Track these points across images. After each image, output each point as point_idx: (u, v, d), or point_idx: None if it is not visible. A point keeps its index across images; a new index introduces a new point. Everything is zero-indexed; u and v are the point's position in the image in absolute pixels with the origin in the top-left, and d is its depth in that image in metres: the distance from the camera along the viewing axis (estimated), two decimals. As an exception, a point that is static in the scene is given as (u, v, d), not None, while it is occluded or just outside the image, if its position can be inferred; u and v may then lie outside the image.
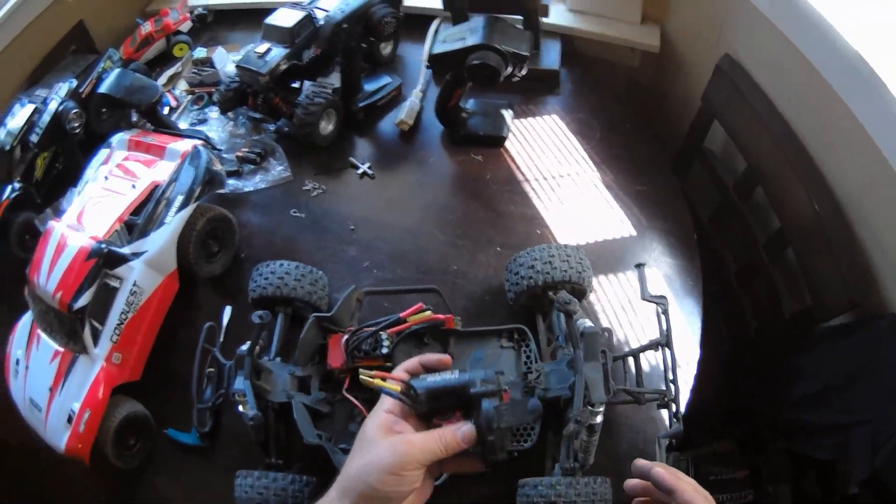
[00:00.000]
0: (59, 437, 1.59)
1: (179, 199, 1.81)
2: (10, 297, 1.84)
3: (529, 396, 1.43)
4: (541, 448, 1.45)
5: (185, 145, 1.91)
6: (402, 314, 1.53)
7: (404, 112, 2.32)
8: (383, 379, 1.26)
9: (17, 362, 1.73)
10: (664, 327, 1.48)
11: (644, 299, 1.54)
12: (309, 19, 2.15)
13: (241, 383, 1.43)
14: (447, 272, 1.93)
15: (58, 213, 1.93)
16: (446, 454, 1.19)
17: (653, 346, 1.48)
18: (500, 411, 1.20)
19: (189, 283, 1.90)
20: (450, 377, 1.25)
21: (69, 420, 1.58)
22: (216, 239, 1.94)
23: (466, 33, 1.96)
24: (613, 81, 2.80)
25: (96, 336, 1.64)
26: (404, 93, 2.46)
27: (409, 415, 1.26)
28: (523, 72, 1.98)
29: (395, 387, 1.24)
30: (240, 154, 2.25)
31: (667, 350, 1.46)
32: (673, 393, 1.42)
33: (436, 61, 2.05)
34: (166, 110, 2.42)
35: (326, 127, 2.24)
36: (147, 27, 2.65)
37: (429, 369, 1.32)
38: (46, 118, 2.06)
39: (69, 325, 1.63)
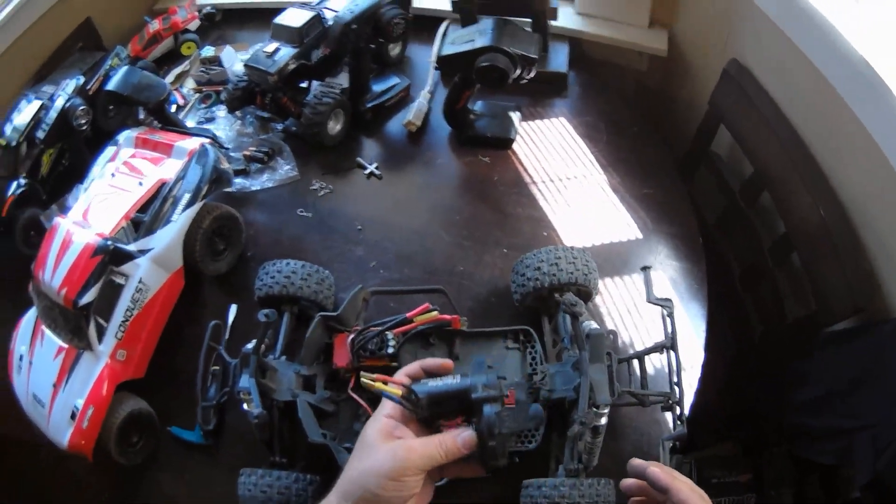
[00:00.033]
0: (63, 433, 1.59)
1: (186, 196, 1.81)
2: (14, 293, 1.84)
3: (533, 400, 1.44)
4: (545, 449, 1.44)
5: (192, 143, 1.92)
6: (408, 314, 1.53)
7: (412, 113, 2.32)
8: (384, 383, 1.26)
9: (21, 358, 1.72)
10: (669, 330, 1.48)
11: (650, 302, 1.54)
12: (318, 19, 2.15)
13: (246, 381, 1.42)
14: (453, 273, 1.93)
15: (63, 210, 1.94)
16: (446, 460, 1.18)
17: (658, 348, 1.48)
18: (501, 417, 1.19)
19: (195, 281, 1.90)
20: (451, 382, 1.24)
21: (72, 416, 1.58)
22: (222, 237, 1.94)
23: (475, 35, 1.96)
24: (621, 85, 2.80)
25: (101, 333, 1.64)
26: (412, 94, 2.46)
27: (409, 419, 1.25)
28: (532, 74, 1.98)
29: (396, 391, 1.23)
30: (247, 153, 2.25)
31: (672, 353, 1.46)
32: (677, 396, 1.43)
33: (445, 63, 2.05)
34: (174, 108, 2.43)
35: (334, 127, 2.24)
36: (155, 25, 2.66)
37: (430, 373, 1.31)
38: (53, 115, 2.06)
39: (74, 322, 1.63)
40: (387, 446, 1.17)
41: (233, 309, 1.85)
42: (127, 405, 1.63)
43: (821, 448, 1.86)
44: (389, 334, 1.53)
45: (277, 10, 2.21)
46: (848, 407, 1.79)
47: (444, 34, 2.61)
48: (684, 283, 1.90)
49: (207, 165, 1.87)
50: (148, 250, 1.74)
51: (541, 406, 1.41)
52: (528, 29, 2.16)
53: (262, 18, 2.54)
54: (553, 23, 2.45)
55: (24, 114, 2.04)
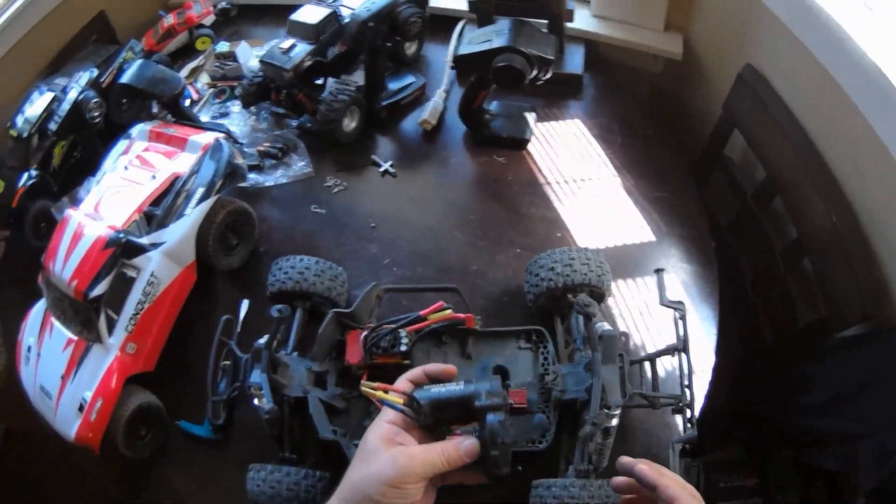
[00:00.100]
0: (70, 425, 1.59)
1: (200, 191, 1.81)
2: (23, 284, 1.85)
3: (545, 400, 1.44)
4: (555, 449, 1.44)
5: (206, 138, 1.92)
6: (422, 312, 1.53)
7: (427, 112, 2.32)
8: (385, 391, 1.25)
9: (29, 349, 1.73)
10: (681, 333, 1.48)
11: (662, 304, 1.54)
12: (334, 16, 2.16)
13: (257, 376, 1.42)
14: (467, 272, 1.93)
15: (75, 202, 1.94)
16: (448, 468, 1.17)
17: (669, 351, 1.48)
18: (505, 426, 1.17)
19: (207, 276, 1.89)
20: (454, 388, 1.22)
21: (80, 409, 1.58)
22: (235, 232, 1.94)
23: (492, 35, 1.96)
24: (636, 87, 2.79)
25: (111, 325, 1.64)
26: (427, 93, 2.46)
27: (411, 426, 1.24)
28: (548, 75, 1.98)
29: (398, 399, 1.22)
30: (261, 148, 2.26)
31: (683, 356, 1.46)
32: (688, 398, 1.43)
33: (461, 62, 2.05)
34: (187, 103, 2.42)
35: (349, 124, 2.24)
36: (170, 19, 2.66)
37: (433, 379, 1.30)
38: (66, 107, 2.06)
39: (84, 314, 1.63)
40: (388, 453, 1.16)
41: (245, 304, 1.84)
42: (136, 398, 1.63)
43: (826, 453, 1.86)
44: (402, 332, 1.53)
45: (292, 7, 2.21)
46: (853, 412, 1.79)
47: (461, 34, 2.62)
48: (696, 286, 1.89)
49: (222, 160, 1.87)
50: (160, 244, 1.74)
51: (547, 409, 1.43)
52: (545, 30, 2.16)
53: (277, 15, 2.54)
54: (569, 25, 2.45)
55: (36, 105, 2.05)
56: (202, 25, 2.72)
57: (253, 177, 2.19)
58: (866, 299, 1.83)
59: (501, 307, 1.84)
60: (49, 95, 2.07)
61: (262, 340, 1.46)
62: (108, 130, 2.15)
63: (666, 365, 1.63)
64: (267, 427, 1.43)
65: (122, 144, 1.96)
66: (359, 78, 2.32)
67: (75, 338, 1.65)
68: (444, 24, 2.65)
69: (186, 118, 2.14)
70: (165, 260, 1.74)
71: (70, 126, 2.08)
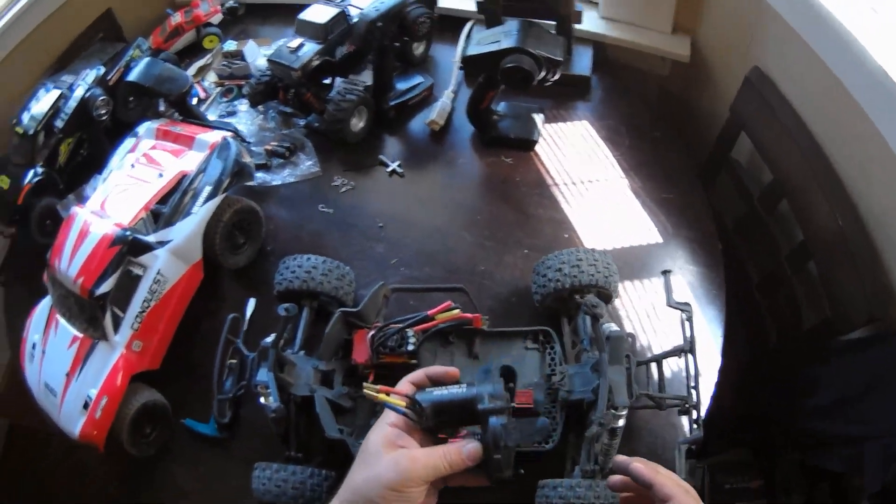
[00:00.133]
0: (74, 422, 1.58)
1: (207, 189, 1.81)
2: (28, 281, 1.85)
3: (551, 400, 1.44)
4: (561, 450, 1.44)
5: (214, 136, 1.92)
6: (429, 311, 1.53)
7: (435, 112, 2.32)
8: (387, 394, 1.24)
9: (34, 347, 1.72)
10: (688, 334, 1.48)
11: (669, 306, 1.53)
12: (343, 16, 2.16)
13: (264, 375, 1.42)
14: (474, 272, 1.93)
15: (81, 200, 1.93)
16: (450, 471, 1.17)
17: (676, 352, 1.48)
18: (507, 429, 1.16)
19: (214, 274, 1.90)
20: (457, 391, 1.22)
21: (85, 406, 1.58)
22: (242, 231, 1.94)
23: (501, 36, 1.96)
24: (643, 89, 2.79)
25: (117, 323, 1.64)
26: (435, 93, 2.46)
27: (413, 428, 1.23)
28: (556, 77, 1.98)
29: (400, 402, 1.21)
30: (269, 147, 2.25)
31: (690, 357, 1.46)
32: (694, 400, 1.42)
33: (469, 63, 2.05)
34: (195, 101, 2.42)
35: (357, 124, 2.24)
36: (177, 18, 2.66)
37: (435, 382, 1.29)
38: (73, 104, 2.06)
39: (90, 311, 1.63)
40: (389, 456, 1.15)
41: (251, 303, 1.85)
42: (141, 396, 1.63)
43: (831, 455, 1.86)
44: (410, 331, 1.53)
45: (300, 6, 2.22)
46: (858, 414, 1.80)
47: (469, 34, 2.61)
48: (702, 287, 1.89)
49: (229, 159, 1.87)
50: (167, 242, 1.73)
51: (554, 409, 1.43)
52: (553, 32, 2.16)
53: (285, 14, 2.55)
54: (577, 26, 2.45)
55: (43, 102, 2.05)
56: (210, 24, 2.72)
57: (260, 176, 2.19)
58: (872, 302, 1.84)
59: (509, 307, 1.84)
60: (56, 93, 2.07)
61: (269, 339, 1.46)
62: (115, 128, 2.15)
63: (672, 366, 1.63)
64: (273, 426, 1.43)
65: (128, 142, 1.96)
66: (367, 78, 2.32)
67: (80, 335, 1.65)
68: (452, 24, 2.65)
69: (194, 116, 2.14)
70: (172, 258, 1.74)
71: (76, 123, 2.08)
